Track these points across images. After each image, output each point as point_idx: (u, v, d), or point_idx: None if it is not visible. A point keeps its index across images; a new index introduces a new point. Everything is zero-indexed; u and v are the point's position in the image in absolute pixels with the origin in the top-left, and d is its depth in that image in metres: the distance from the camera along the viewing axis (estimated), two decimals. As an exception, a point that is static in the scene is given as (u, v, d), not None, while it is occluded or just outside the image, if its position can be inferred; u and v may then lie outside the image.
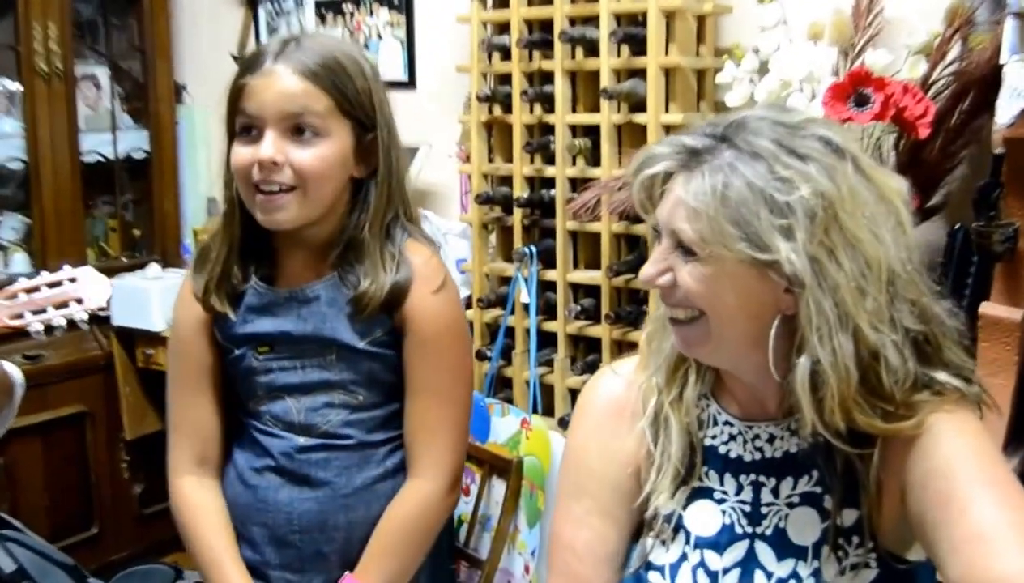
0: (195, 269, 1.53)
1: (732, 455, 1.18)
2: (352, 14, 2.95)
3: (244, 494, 1.54)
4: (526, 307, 2.38)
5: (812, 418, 1.05)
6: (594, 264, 2.32)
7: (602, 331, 2.29)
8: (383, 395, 1.52)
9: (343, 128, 1.41)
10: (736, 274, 1.05)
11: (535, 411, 2.37)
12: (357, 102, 1.41)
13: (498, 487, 2.35)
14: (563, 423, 2.31)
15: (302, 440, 1.50)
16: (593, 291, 2.33)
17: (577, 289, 2.37)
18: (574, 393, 2.39)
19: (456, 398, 1.53)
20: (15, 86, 2.92)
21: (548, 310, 2.39)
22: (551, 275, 2.36)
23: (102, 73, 3.17)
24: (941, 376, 1.09)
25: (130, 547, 3.02)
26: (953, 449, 1.05)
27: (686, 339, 1.12)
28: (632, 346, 2.24)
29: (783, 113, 1.10)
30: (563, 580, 1.25)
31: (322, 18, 3.00)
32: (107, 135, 3.12)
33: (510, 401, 2.45)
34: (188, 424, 1.56)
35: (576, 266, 2.37)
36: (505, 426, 2.38)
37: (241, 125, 1.40)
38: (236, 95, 1.40)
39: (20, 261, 2.96)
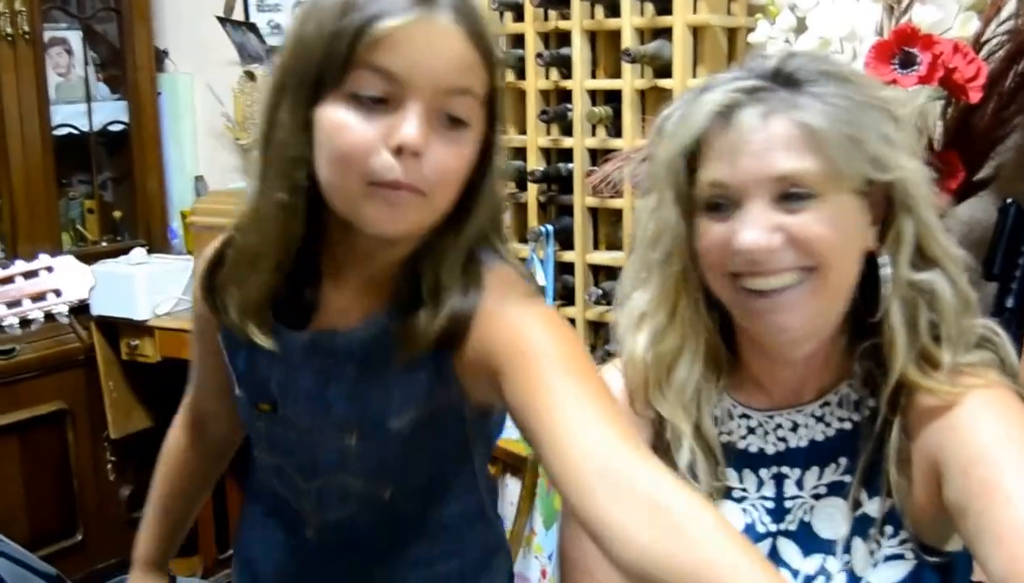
0: (233, 278, 1.17)
1: (752, 449, 1.20)
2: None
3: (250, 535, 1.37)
4: (542, 291, 2.42)
5: (910, 351, 1.09)
6: (615, 244, 2.36)
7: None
8: (419, 487, 1.21)
9: (481, 121, 1.08)
10: (851, 207, 1.07)
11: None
12: (500, 86, 1.09)
13: (512, 486, 2.39)
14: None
15: (311, 531, 1.26)
16: (614, 273, 2.35)
17: (597, 271, 2.41)
18: (596, 384, 2.43)
19: (594, 370, 1.10)
20: (-23, 52, 2.92)
21: (566, 294, 2.44)
22: (569, 256, 2.40)
23: (74, 37, 3.18)
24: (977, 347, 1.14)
25: (117, 554, 3.01)
26: (996, 434, 1.06)
27: (788, 305, 1.07)
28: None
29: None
30: None
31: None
32: (81, 106, 3.15)
33: (526, 393, 2.49)
34: (197, 381, 1.43)
35: (596, 246, 2.41)
36: (521, 420, 2.43)
37: (359, 89, 1.02)
38: (359, 41, 1.01)
39: None
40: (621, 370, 1.23)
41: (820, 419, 1.17)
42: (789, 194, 1.05)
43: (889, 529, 1.13)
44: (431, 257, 1.11)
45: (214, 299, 1.20)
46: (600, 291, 2.34)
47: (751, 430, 1.20)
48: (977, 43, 1.90)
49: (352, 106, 1.02)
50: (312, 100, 1.04)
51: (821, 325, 1.12)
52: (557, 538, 1.35)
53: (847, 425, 1.15)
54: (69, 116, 3.12)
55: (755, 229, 1.05)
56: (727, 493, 1.20)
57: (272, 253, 1.12)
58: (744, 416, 1.21)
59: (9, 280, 1.65)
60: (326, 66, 1.03)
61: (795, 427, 1.18)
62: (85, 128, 3.16)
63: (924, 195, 1.08)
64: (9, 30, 2.89)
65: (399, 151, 1.01)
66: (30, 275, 1.67)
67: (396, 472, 1.19)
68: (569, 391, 1.01)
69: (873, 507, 1.14)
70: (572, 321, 2.42)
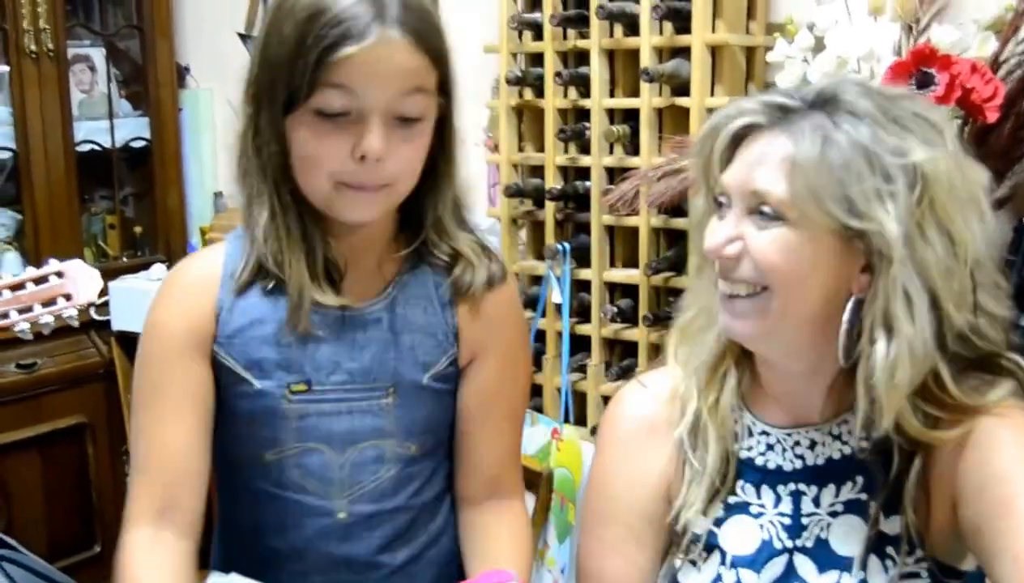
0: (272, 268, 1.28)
1: (771, 466, 1.21)
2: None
3: (263, 575, 1.32)
4: (558, 308, 2.42)
5: (891, 408, 1.08)
6: (632, 262, 2.36)
7: (640, 334, 2.33)
8: (433, 445, 1.38)
9: (435, 106, 1.24)
10: (820, 245, 1.07)
11: (566, 420, 2.41)
12: (450, 72, 1.25)
13: (527, 501, 2.39)
14: (596, 432, 2.35)
15: (343, 507, 1.33)
16: (631, 291, 2.37)
17: (613, 289, 2.41)
18: (608, 401, 2.43)
19: (523, 414, 1.48)
20: (1, 68, 2.93)
21: (582, 311, 2.44)
22: (585, 274, 2.41)
23: (97, 54, 3.20)
24: (1004, 375, 1.14)
25: (134, 568, 3.08)
26: (1013, 454, 1.08)
27: (740, 313, 1.13)
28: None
29: (875, 84, 1.15)
30: None
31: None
32: (103, 122, 3.16)
33: (540, 410, 2.49)
34: (151, 461, 1.28)
35: (612, 264, 2.41)
36: (535, 436, 2.42)
37: (323, 106, 1.17)
38: (322, 66, 1.15)
39: (11, 261, 2.98)
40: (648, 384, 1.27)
41: (837, 437, 1.19)
42: (761, 211, 1.09)
43: (905, 547, 1.14)
44: (431, 224, 1.31)
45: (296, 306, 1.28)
46: (616, 308, 2.35)
47: (770, 447, 1.22)
48: (995, 63, 1.90)
49: (318, 120, 1.18)
50: (284, 112, 1.20)
51: (783, 346, 1.15)
52: (574, 550, 1.36)
53: (865, 444, 1.16)
54: (92, 132, 3.13)
55: (718, 234, 1.12)
56: (745, 508, 1.21)
57: (294, 251, 1.26)
58: (764, 433, 1.22)
59: (20, 286, 1.67)
60: (293, 86, 1.17)
61: (812, 445, 1.20)
62: (107, 144, 3.17)
63: (900, 258, 1.05)
64: (33, 48, 2.91)
65: (362, 159, 1.18)
66: (40, 280, 1.68)
67: (423, 428, 1.35)
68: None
69: (890, 525, 1.15)
70: (588, 339, 2.42)
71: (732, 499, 1.22)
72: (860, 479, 1.17)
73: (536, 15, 2.40)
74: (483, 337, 1.35)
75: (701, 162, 1.17)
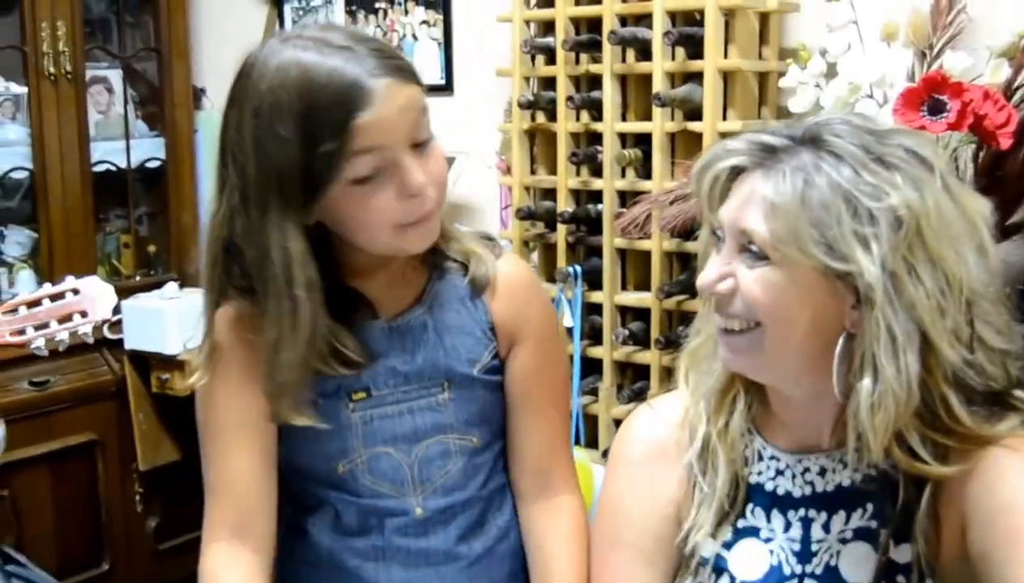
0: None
1: (780, 491, 1.21)
2: (385, 12, 3.01)
3: (342, 579, 1.40)
4: (570, 331, 2.41)
5: (877, 443, 1.07)
6: (644, 285, 2.36)
7: (651, 357, 2.33)
8: (492, 435, 1.42)
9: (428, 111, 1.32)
10: (806, 283, 1.08)
11: (578, 443, 2.40)
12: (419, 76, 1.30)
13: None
14: (607, 456, 2.34)
15: (418, 503, 1.37)
16: (642, 314, 2.37)
17: (625, 312, 2.41)
18: (620, 424, 2.42)
19: (568, 399, 1.53)
20: (21, 89, 2.96)
21: (593, 335, 2.44)
22: (597, 297, 2.41)
23: (114, 75, 3.23)
24: (1012, 410, 1.13)
25: (143, 585, 3.09)
26: (1021, 485, 1.08)
27: (735, 348, 1.14)
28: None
29: (866, 120, 1.14)
30: None
31: (352, 16, 3.07)
32: (120, 143, 3.18)
33: (552, 433, 2.49)
34: (222, 486, 1.36)
35: (624, 287, 2.41)
36: (547, 460, 2.42)
37: (358, 174, 1.21)
38: (347, 141, 1.19)
39: (26, 279, 3.00)
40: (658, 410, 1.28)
41: (847, 465, 1.18)
42: (749, 249, 1.10)
43: (915, 577, 1.13)
44: (446, 237, 1.36)
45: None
46: (627, 331, 2.35)
47: (779, 472, 1.21)
48: (1008, 89, 1.89)
49: (356, 187, 1.21)
50: (303, 204, 1.22)
51: (781, 380, 1.16)
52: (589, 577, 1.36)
53: (873, 472, 1.16)
54: (108, 153, 3.16)
55: (710, 271, 1.14)
56: (755, 532, 1.21)
57: (310, 325, 1.26)
58: (773, 458, 1.22)
59: (37, 303, 1.68)
60: (314, 176, 1.20)
61: (823, 471, 1.19)
62: (123, 164, 3.19)
63: (882, 300, 1.05)
64: (52, 69, 2.94)
65: (413, 197, 1.23)
66: (56, 297, 1.69)
67: (480, 419, 1.39)
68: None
69: (900, 554, 1.14)
70: (599, 362, 2.42)
71: (741, 523, 1.22)
72: (870, 506, 1.17)
73: (549, 40, 2.41)
74: (515, 323, 1.40)
75: (698, 197, 1.19)
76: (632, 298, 2.39)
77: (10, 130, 2.99)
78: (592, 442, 2.43)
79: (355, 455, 1.36)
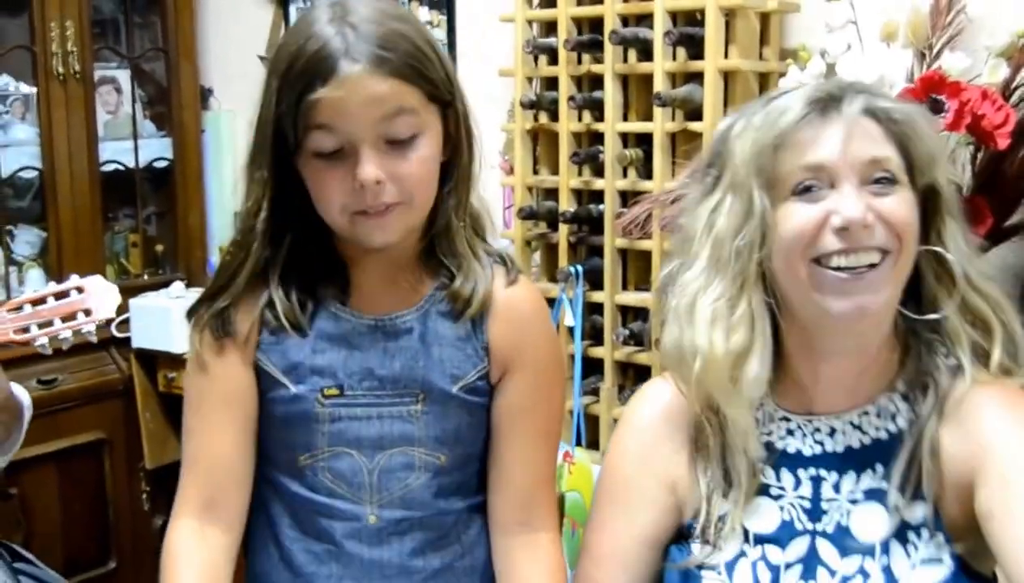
0: (226, 295, 1.37)
1: (791, 449, 1.24)
2: (389, 13, 3.02)
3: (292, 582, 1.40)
4: (571, 331, 2.42)
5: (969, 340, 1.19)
6: (645, 285, 2.37)
7: (653, 357, 2.33)
8: (464, 457, 1.40)
9: (433, 116, 1.29)
10: (912, 202, 1.17)
11: (579, 444, 2.41)
12: (438, 81, 1.29)
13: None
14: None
15: (372, 512, 1.37)
16: (643, 314, 2.37)
17: (626, 312, 2.42)
18: (623, 424, 2.43)
19: (558, 433, 1.49)
20: (29, 89, 2.98)
21: (594, 334, 2.45)
22: (598, 296, 2.41)
23: (123, 76, 3.25)
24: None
25: (149, 583, 3.10)
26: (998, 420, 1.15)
27: (875, 285, 1.15)
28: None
29: None
30: None
31: (356, 17, 3.08)
32: (128, 142, 3.20)
33: (553, 433, 2.50)
34: (199, 459, 1.39)
35: (625, 287, 2.42)
36: (547, 460, 2.42)
37: (318, 147, 1.25)
38: (306, 112, 1.24)
39: (35, 277, 3.02)
40: (673, 380, 1.29)
41: (857, 427, 1.22)
42: (878, 178, 1.15)
43: (926, 533, 1.17)
44: (442, 218, 1.34)
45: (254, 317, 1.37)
46: (628, 331, 2.35)
47: (790, 432, 1.25)
48: (1007, 89, 1.90)
49: (317, 160, 1.26)
50: (287, 156, 1.28)
51: (887, 315, 1.19)
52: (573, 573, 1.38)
53: (883, 435, 1.21)
54: (116, 153, 3.18)
55: (854, 204, 1.13)
56: (765, 490, 1.24)
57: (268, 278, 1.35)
58: (784, 419, 1.25)
59: (41, 301, 1.68)
60: (286, 136, 1.26)
61: (832, 432, 1.23)
62: (131, 164, 3.21)
63: (957, 207, 1.20)
64: (61, 70, 2.96)
65: (362, 188, 1.24)
66: (61, 296, 1.70)
67: (453, 439, 1.37)
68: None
69: (911, 513, 1.18)
70: (600, 361, 2.43)
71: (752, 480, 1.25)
72: (880, 467, 1.20)
73: (551, 40, 2.43)
74: (514, 352, 1.37)
75: (754, 163, 1.17)
76: (633, 298, 2.39)
77: (19, 130, 3.01)
78: (593, 443, 2.44)
79: (317, 450, 1.36)
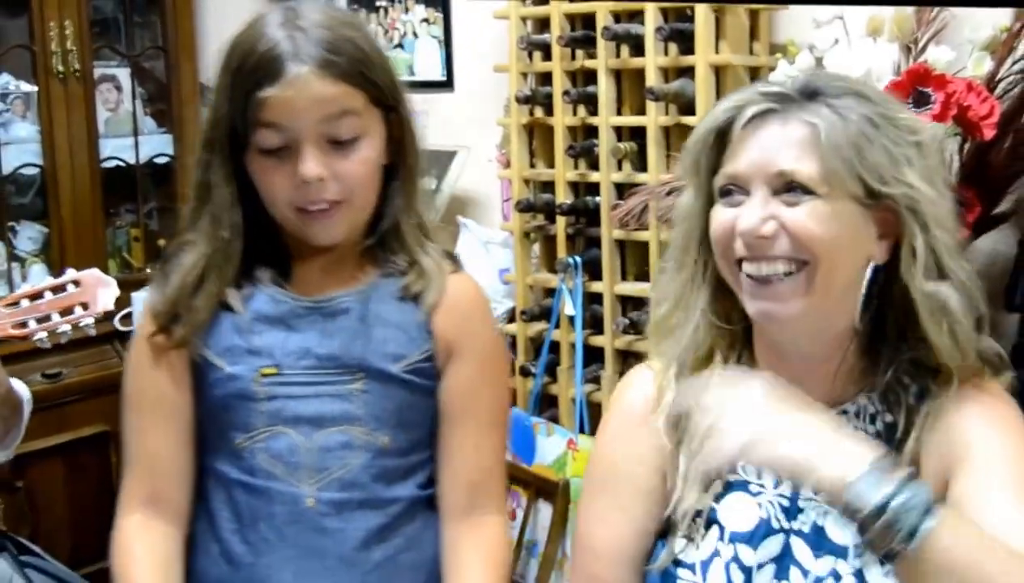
0: (171, 298, 1.39)
1: None
2: (386, 11, 3.08)
3: (231, 576, 1.40)
4: (571, 320, 2.48)
5: (968, 346, 1.16)
6: (642, 275, 2.43)
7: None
8: (408, 443, 1.41)
9: (376, 119, 1.35)
10: (848, 213, 1.13)
11: (582, 431, 2.46)
12: (383, 86, 1.35)
13: (544, 511, 2.45)
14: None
15: (310, 493, 1.37)
16: (642, 303, 2.41)
17: (625, 301, 2.47)
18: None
19: (505, 422, 1.52)
20: (30, 87, 3.00)
21: (594, 324, 2.50)
22: (597, 287, 2.47)
23: (123, 73, 3.26)
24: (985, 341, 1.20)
25: (155, 575, 3.12)
26: (997, 450, 1.15)
27: (782, 295, 1.15)
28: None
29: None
30: (580, 579, 1.33)
31: (353, 14, 3.12)
32: (128, 139, 3.22)
33: (556, 420, 2.55)
34: (140, 456, 1.43)
35: (624, 277, 2.47)
36: (551, 447, 2.48)
37: (265, 144, 1.31)
38: (253, 109, 1.29)
39: (38, 273, 3.02)
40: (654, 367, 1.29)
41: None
42: (789, 188, 1.13)
43: None
44: (388, 219, 1.40)
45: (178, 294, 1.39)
46: (628, 320, 2.40)
47: None
48: (991, 82, 1.94)
49: (263, 157, 1.32)
50: (237, 154, 1.34)
51: (816, 323, 1.18)
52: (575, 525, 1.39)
53: (861, 436, 1.18)
54: (117, 149, 3.19)
55: (752, 214, 1.14)
56: (744, 486, 1.24)
57: (226, 273, 1.38)
58: None
59: (39, 295, 1.69)
60: (236, 132, 1.32)
61: None
62: (132, 160, 3.23)
63: (934, 215, 1.13)
64: (61, 68, 2.97)
65: (305, 183, 1.30)
66: (58, 290, 1.70)
67: (395, 420, 1.39)
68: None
69: None
70: (601, 350, 2.48)
71: (732, 477, 1.24)
72: None
73: (545, 36, 2.48)
74: (457, 336, 1.41)
75: (692, 165, 1.21)
76: (631, 288, 2.44)
77: (20, 128, 3.02)
78: (596, 430, 2.46)
79: (255, 431, 1.37)
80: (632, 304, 2.46)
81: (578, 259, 2.46)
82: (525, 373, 2.59)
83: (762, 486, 1.23)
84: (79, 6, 3.01)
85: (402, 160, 1.40)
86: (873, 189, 1.12)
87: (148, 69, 3.37)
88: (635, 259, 2.46)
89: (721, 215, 1.18)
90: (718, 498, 1.24)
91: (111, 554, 1.42)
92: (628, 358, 2.49)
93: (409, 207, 1.41)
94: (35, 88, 3.00)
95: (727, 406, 1.09)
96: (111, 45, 3.26)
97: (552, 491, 2.40)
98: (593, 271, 2.47)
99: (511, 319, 2.67)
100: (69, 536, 3.00)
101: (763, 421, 1.08)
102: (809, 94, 1.15)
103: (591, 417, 2.49)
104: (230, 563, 1.40)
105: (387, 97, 1.36)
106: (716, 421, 1.10)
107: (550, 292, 2.58)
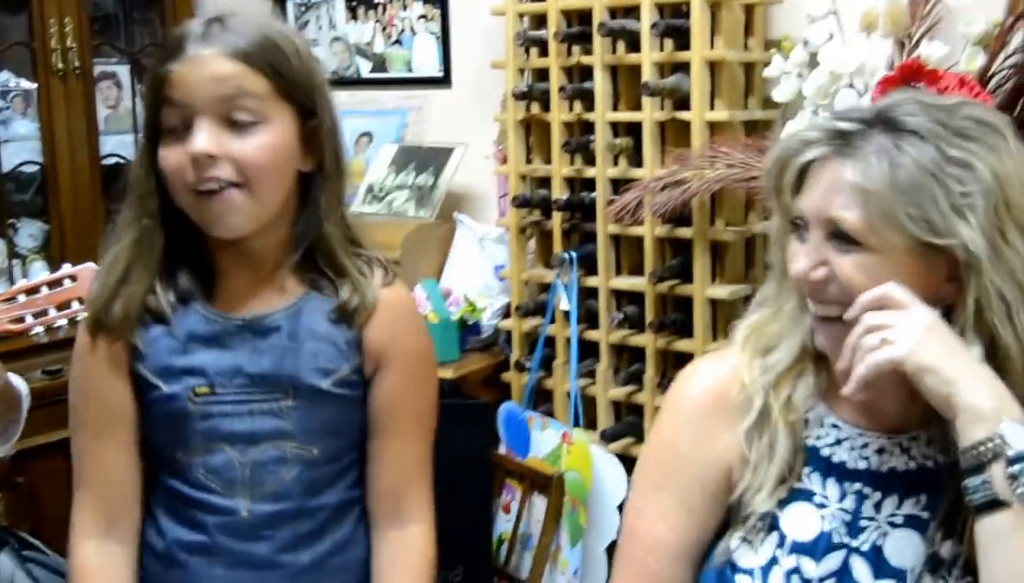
0: (102, 292, 1.39)
1: (835, 459, 1.23)
2: (384, 8, 3.09)
3: (164, 575, 1.44)
4: (566, 315, 2.49)
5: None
6: (637, 270, 2.44)
7: (646, 340, 2.40)
8: (337, 450, 1.44)
9: (284, 113, 1.34)
10: (900, 263, 1.10)
11: (576, 424, 2.47)
12: (297, 83, 1.35)
13: (539, 504, 2.46)
14: (605, 436, 2.42)
15: (245, 507, 1.40)
16: (636, 298, 2.44)
17: (620, 296, 2.48)
18: (617, 405, 2.50)
19: (432, 430, 1.52)
20: (30, 85, 3.00)
21: (589, 318, 2.51)
22: (592, 281, 2.48)
23: (122, 71, 3.27)
24: None
25: (155, 570, 3.13)
26: None
27: (836, 336, 1.14)
28: (679, 356, 2.34)
29: (933, 97, 1.19)
30: (633, 574, 1.30)
31: (352, 12, 3.15)
32: (128, 136, 3.22)
33: (550, 414, 2.57)
34: (94, 479, 1.43)
35: (619, 272, 2.48)
36: (545, 440, 2.49)
37: (168, 124, 1.32)
38: (157, 87, 1.31)
39: (38, 269, 2.99)
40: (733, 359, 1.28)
41: (906, 451, 1.21)
42: (839, 235, 1.12)
43: (957, 572, 1.17)
44: (310, 230, 1.38)
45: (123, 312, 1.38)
46: (622, 315, 2.42)
47: (838, 441, 1.24)
48: (984, 77, 1.96)
49: (168, 139, 1.32)
50: (152, 143, 1.33)
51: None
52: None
53: (930, 464, 1.20)
54: (117, 146, 3.20)
55: (803, 259, 1.15)
56: (808, 496, 1.23)
57: (142, 257, 1.37)
58: (835, 426, 1.24)
59: (35, 290, 1.69)
60: (149, 112, 1.34)
61: (880, 451, 1.22)
62: (132, 157, 3.24)
63: (988, 267, 1.08)
64: (60, 66, 2.97)
65: (196, 160, 1.29)
66: (54, 284, 1.70)
67: (325, 432, 1.41)
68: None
69: (945, 548, 1.18)
70: (596, 344, 2.49)
71: (797, 485, 1.23)
72: (924, 497, 1.20)
73: (541, 32, 2.48)
74: (385, 347, 1.42)
75: (772, 189, 1.20)
76: (626, 282, 2.45)
77: (20, 125, 3.02)
78: (590, 424, 2.50)
79: (192, 448, 1.39)
80: (627, 299, 2.48)
81: (573, 254, 2.47)
82: (520, 368, 2.60)
83: (827, 498, 1.22)
84: (79, 3, 3.00)
85: (322, 169, 1.39)
86: (925, 240, 1.09)
87: (148, 66, 3.36)
88: (630, 254, 2.47)
89: (789, 251, 1.18)
90: (781, 505, 1.23)
91: (69, 577, 1.45)
92: (622, 353, 2.50)
93: (332, 218, 1.40)
94: (35, 85, 3.00)
95: (899, 319, 1.09)
96: (111, 42, 3.27)
97: (546, 484, 2.42)
98: (588, 266, 2.48)
99: (507, 314, 2.68)
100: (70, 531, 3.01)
101: (934, 335, 1.08)
102: (880, 123, 1.12)
103: (585, 411, 2.50)
104: (164, 562, 1.43)
105: (302, 97, 1.36)
106: (885, 331, 1.09)
107: (546, 287, 2.59)
